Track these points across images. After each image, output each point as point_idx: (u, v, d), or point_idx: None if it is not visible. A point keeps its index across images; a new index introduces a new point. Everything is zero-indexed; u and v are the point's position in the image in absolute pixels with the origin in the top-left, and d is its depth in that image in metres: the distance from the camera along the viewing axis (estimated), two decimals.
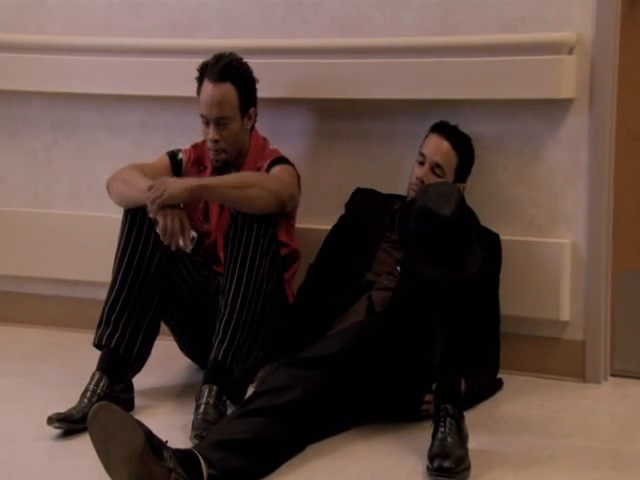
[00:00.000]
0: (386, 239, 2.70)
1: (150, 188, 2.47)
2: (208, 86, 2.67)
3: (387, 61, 2.82)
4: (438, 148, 2.68)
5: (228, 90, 2.67)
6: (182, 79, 2.92)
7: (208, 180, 2.59)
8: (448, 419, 2.19)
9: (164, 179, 2.53)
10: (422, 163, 2.69)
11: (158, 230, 2.47)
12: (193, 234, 2.54)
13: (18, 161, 3.38)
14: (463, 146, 2.73)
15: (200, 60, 2.75)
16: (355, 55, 2.87)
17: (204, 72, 2.70)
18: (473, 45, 2.76)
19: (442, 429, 2.19)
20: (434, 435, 2.20)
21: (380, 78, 2.83)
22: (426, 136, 2.73)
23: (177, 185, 2.48)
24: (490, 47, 2.73)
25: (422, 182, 2.64)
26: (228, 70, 2.67)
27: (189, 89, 2.80)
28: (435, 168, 2.67)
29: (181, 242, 2.47)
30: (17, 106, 3.35)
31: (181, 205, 2.51)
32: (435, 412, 2.25)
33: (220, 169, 2.73)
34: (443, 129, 2.71)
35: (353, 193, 2.85)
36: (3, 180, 3.41)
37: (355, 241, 2.73)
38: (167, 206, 2.45)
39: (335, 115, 2.99)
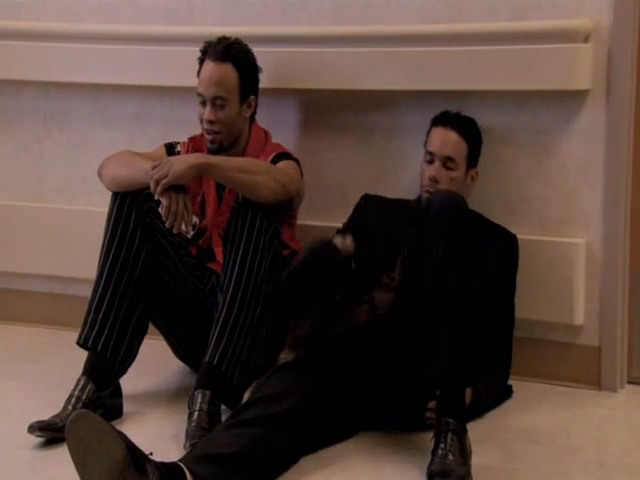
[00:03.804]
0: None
1: (154, 167, 2.42)
2: (209, 64, 2.63)
3: (391, 50, 2.77)
4: (445, 141, 2.57)
5: (228, 71, 2.62)
6: (179, 68, 2.90)
7: (215, 159, 2.52)
8: (449, 435, 2.09)
9: (169, 158, 2.49)
10: (431, 162, 2.58)
11: (161, 210, 2.41)
12: (195, 220, 2.52)
13: (9, 153, 3.34)
14: (470, 131, 2.63)
15: (197, 49, 2.69)
16: (358, 44, 2.81)
17: (206, 52, 2.65)
18: (482, 33, 2.69)
19: (442, 445, 2.08)
20: (434, 451, 2.10)
21: (384, 68, 2.77)
22: (428, 132, 2.63)
23: (182, 163, 2.42)
24: (500, 35, 2.66)
25: (436, 181, 2.54)
26: (230, 51, 2.63)
27: (186, 78, 2.76)
28: (447, 162, 2.56)
29: (183, 226, 2.43)
30: (8, 96, 3.31)
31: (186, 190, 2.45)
32: (436, 426, 2.14)
33: (215, 154, 2.64)
34: (446, 119, 2.61)
35: (362, 198, 2.73)
36: None
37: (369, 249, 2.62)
38: (172, 188, 2.39)
39: (337, 107, 2.93)
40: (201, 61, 2.66)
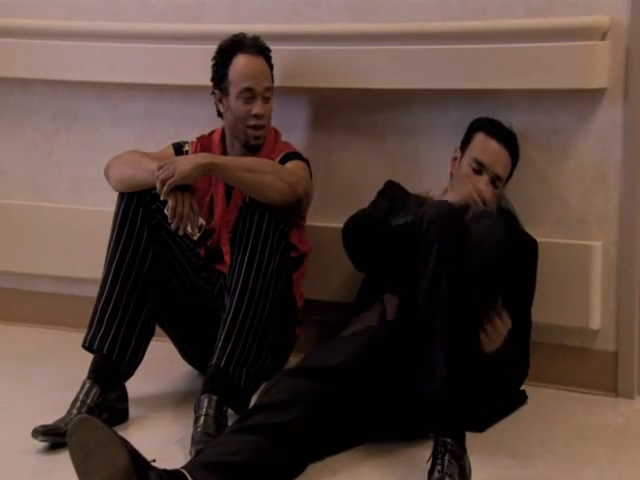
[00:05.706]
0: None
1: (160, 168, 2.39)
2: (246, 58, 2.61)
3: (403, 48, 2.74)
4: (501, 159, 2.50)
5: (265, 64, 2.65)
6: (188, 66, 2.90)
7: (221, 159, 2.49)
8: (447, 456, 1.98)
9: (175, 158, 2.46)
10: (479, 172, 2.49)
11: (167, 211, 2.39)
12: (201, 221, 2.50)
13: (18, 152, 3.33)
14: (517, 153, 2.57)
15: (207, 47, 2.69)
16: (369, 42, 2.79)
17: (235, 47, 2.62)
18: (496, 30, 2.66)
19: (439, 467, 1.97)
20: (430, 473, 1.99)
21: (396, 66, 2.74)
22: (473, 135, 2.53)
23: (188, 163, 2.39)
24: (515, 33, 2.63)
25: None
26: (262, 45, 2.65)
27: (196, 77, 2.76)
28: (496, 180, 2.50)
29: (189, 228, 2.40)
30: (17, 95, 3.30)
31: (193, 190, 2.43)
32: (433, 445, 2.04)
33: (254, 151, 2.63)
34: (502, 135, 2.52)
35: (387, 184, 2.65)
36: (2, 172, 3.36)
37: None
38: (178, 188, 2.37)
39: (348, 106, 2.90)
40: (226, 57, 2.62)
